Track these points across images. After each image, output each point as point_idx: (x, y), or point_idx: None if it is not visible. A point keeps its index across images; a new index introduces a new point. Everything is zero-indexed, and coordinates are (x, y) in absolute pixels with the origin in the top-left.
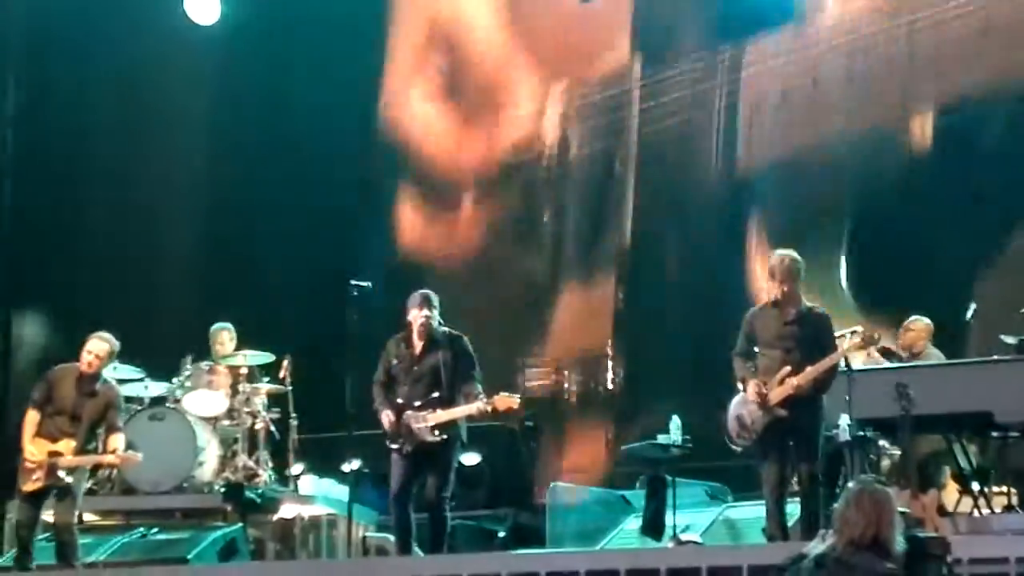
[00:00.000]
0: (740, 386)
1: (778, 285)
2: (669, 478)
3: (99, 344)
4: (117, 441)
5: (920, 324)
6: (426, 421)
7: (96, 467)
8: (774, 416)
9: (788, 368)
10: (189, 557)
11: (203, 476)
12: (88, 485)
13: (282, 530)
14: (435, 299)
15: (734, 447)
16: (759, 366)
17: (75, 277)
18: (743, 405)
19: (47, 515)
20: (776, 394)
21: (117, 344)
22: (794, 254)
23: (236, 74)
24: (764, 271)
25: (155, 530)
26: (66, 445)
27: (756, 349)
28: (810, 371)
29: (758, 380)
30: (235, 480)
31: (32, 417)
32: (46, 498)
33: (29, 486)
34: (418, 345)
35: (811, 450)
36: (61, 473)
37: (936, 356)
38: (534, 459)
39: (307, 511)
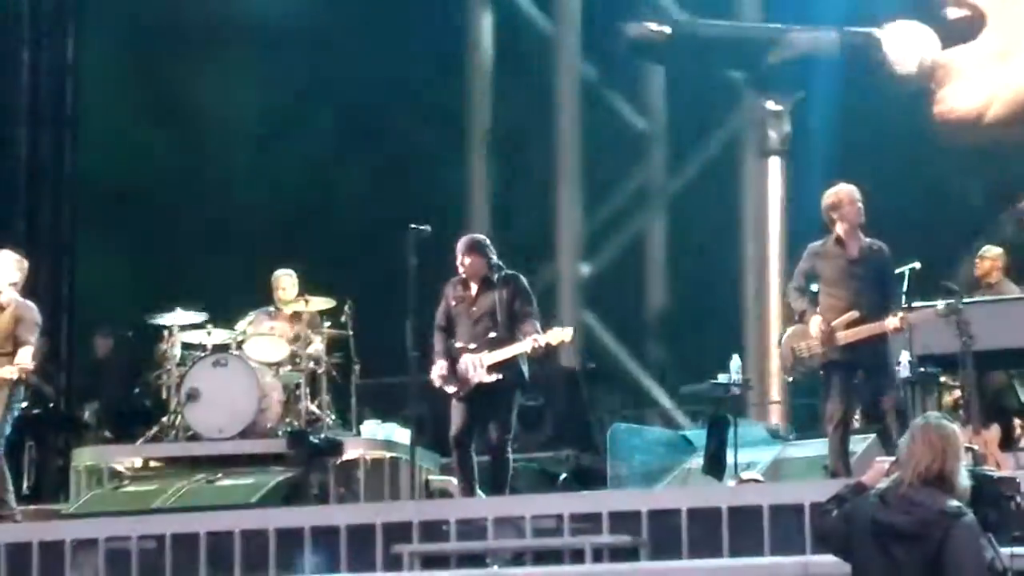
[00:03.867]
0: (798, 319)
1: (842, 221)
2: (730, 417)
3: None
4: (22, 354)
5: (994, 252)
6: (482, 363)
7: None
8: (837, 355)
9: (856, 313)
10: (253, 501)
11: (266, 421)
12: (154, 431)
13: (345, 474)
14: (485, 242)
15: (787, 378)
16: (822, 304)
17: (142, 224)
18: (800, 337)
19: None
20: (844, 336)
21: (14, 256)
22: (853, 188)
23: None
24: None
25: (219, 475)
26: None
27: (814, 287)
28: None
29: (823, 318)
30: (298, 425)
31: None
32: None
33: None
34: (474, 287)
35: (889, 382)
36: None
37: (1010, 288)
38: (595, 400)
39: (370, 455)
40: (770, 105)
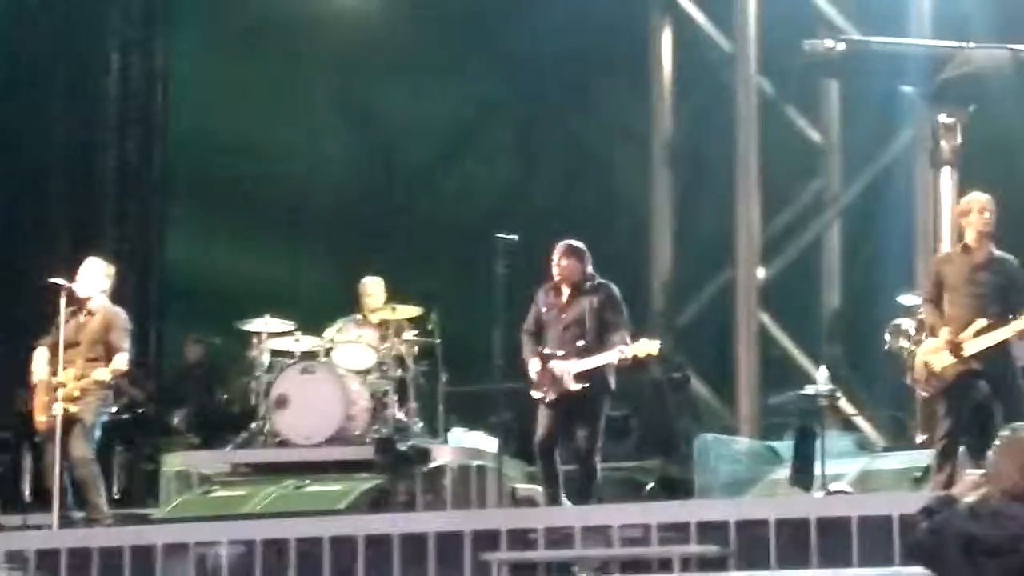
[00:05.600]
0: (928, 333)
1: (970, 228)
2: (817, 428)
3: (86, 265)
4: (118, 360)
5: None
6: (569, 371)
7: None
8: (966, 367)
9: (984, 321)
10: (340, 508)
11: (354, 428)
12: (243, 437)
13: (432, 481)
14: (583, 249)
15: (921, 393)
16: (947, 313)
17: (231, 228)
18: (933, 352)
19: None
20: (972, 345)
21: (102, 263)
22: (986, 197)
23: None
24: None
25: (307, 482)
26: (66, 375)
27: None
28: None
29: (951, 328)
30: (385, 432)
31: (39, 354)
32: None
33: (38, 425)
34: (566, 293)
35: (1019, 397)
36: (58, 407)
37: None
38: (682, 410)
39: (457, 463)
40: (942, 118)
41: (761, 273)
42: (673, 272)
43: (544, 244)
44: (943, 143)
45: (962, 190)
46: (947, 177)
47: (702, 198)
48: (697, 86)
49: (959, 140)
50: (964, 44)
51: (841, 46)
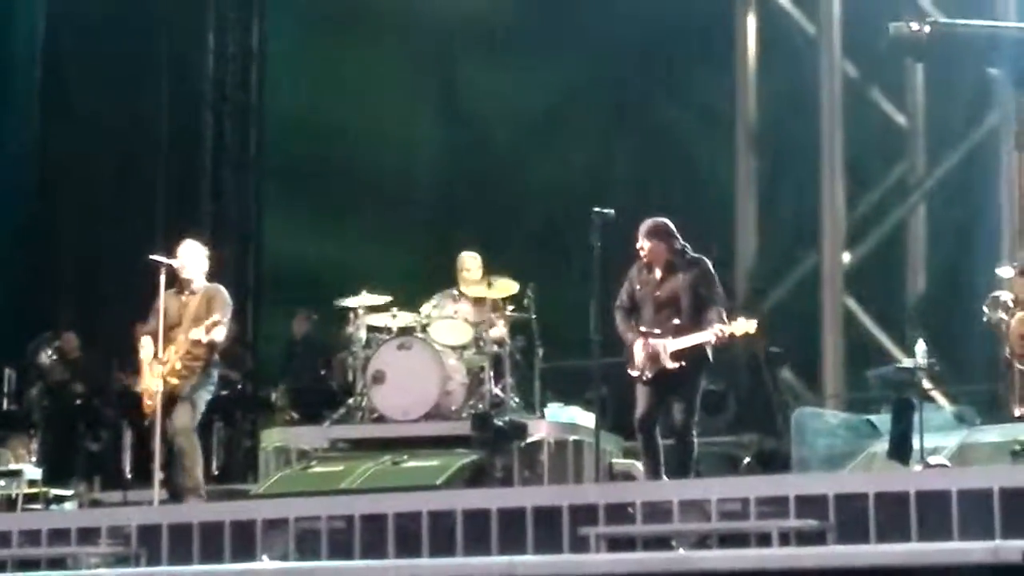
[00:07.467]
0: None
1: None
2: (916, 402)
3: (186, 248)
4: (214, 332)
5: None
6: (666, 349)
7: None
8: None
9: None
10: (438, 483)
11: (450, 404)
12: (340, 413)
13: (529, 457)
14: (666, 227)
15: (1019, 366)
16: None
17: (326, 207)
18: None
19: None
20: None
21: (199, 245)
22: None
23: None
24: None
25: (405, 457)
26: (168, 354)
27: None
28: None
29: None
30: (482, 408)
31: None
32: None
33: (146, 408)
34: (658, 271)
35: None
36: (158, 383)
37: None
38: (778, 385)
39: (553, 438)
40: None
41: (846, 257)
42: (758, 257)
43: (633, 225)
44: None
45: None
46: None
47: (786, 182)
48: (781, 69)
49: None
50: None
51: (927, 28)
